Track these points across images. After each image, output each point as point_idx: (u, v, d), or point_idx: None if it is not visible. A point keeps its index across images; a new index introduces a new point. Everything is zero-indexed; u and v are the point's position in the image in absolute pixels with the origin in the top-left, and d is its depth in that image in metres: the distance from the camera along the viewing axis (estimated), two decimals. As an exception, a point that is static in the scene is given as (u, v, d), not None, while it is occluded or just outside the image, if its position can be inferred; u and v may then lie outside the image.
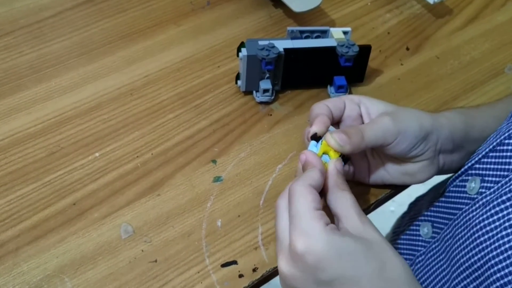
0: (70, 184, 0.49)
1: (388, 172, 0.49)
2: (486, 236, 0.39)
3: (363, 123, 0.48)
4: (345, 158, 0.44)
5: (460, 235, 0.43)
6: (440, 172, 0.49)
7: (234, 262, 0.46)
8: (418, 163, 0.47)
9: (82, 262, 0.45)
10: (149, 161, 0.51)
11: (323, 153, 0.43)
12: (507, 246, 0.37)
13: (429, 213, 0.52)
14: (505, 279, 0.37)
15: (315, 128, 0.44)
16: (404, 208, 0.67)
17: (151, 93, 0.56)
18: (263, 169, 0.52)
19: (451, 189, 0.50)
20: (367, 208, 0.51)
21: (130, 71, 0.58)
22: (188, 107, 0.56)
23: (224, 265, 0.46)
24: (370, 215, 0.51)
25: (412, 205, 0.64)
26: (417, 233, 0.53)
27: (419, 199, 0.64)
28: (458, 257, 0.43)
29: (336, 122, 0.48)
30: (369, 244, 0.37)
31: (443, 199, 0.51)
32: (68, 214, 0.48)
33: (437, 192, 0.55)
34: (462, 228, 0.43)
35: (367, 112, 0.48)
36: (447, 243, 0.46)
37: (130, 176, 0.50)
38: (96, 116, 0.54)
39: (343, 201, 0.39)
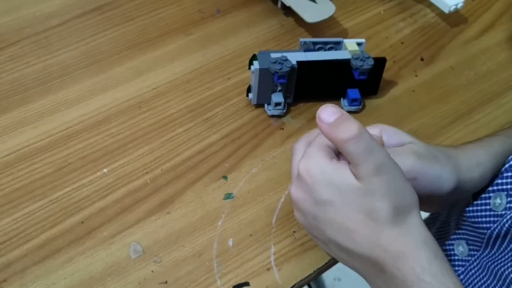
0: (78, 201, 0.48)
1: None
2: None
3: None
4: None
5: (504, 250, 0.42)
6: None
7: (246, 284, 0.45)
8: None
9: (90, 283, 0.44)
10: (159, 177, 0.50)
11: None
12: None
13: (461, 231, 0.51)
14: None
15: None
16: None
17: (160, 105, 0.55)
18: (276, 185, 0.51)
19: (474, 208, 0.48)
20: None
21: (138, 82, 0.57)
22: (198, 121, 0.54)
23: (236, 286, 0.45)
24: None
25: (429, 222, 0.62)
26: (453, 252, 0.51)
27: (433, 216, 0.63)
28: (506, 272, 0.41)
29: None
30: (363, 188, 0.38)
31: (468, 218, 0.49)
32: (76, 232, 0.46)
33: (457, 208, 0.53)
34: (501, 242, 0.42)
35: (388, 142, 0.45)
36: (488, 259, 0.45)
37: (140, 193, 0.49)
38: (104, 130, 0.53)
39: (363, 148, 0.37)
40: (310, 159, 0.40)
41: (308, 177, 0.39)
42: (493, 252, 0.45)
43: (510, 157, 0.45)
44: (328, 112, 0.38)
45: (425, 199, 0.42)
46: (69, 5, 0.63)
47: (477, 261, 0.47)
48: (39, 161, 0.50)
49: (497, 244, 0.44)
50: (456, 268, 0.50)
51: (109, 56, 0.59)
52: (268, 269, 0.46)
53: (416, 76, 0.61)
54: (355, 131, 0.37)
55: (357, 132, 0.37)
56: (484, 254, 0.46)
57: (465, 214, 0.48)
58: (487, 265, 0.45)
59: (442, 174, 0.42)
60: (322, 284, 1.31)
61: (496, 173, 0.46)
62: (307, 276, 0.46)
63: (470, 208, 0.48)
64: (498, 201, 0.45)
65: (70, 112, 0.54)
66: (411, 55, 0.63)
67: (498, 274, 0.43)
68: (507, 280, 0.41)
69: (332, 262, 0.47)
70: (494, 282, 0.43)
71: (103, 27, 0.61)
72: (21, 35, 0.59)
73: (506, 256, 0.42)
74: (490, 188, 0.46)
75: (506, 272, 0.42)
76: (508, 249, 0.42)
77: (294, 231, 0.48)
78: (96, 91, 0.56)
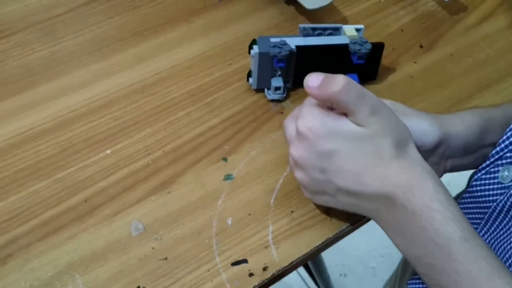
0: (82, 181, 0.49)
1: None
2: None
3: None
4: None
5: (507, 225, 0.43)
6: (444, 173, 0.48)
7: (245, 261, 0.46)
8: None
9: (92, 259, 0.45)
10: (160, 158, 0.51)
11: None
12: None
13: (461, 207, 0.51)
14: None
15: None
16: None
17: (162, 90, 0.56)
18: (274, 167, 0.52)
19: (478, 183, 0.49)
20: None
21: (141, 68, 0.58)
22: (199, 105, 0.56)
23: (235, 263, 0.46)
24: None
25: None
26: None
27: None
28: (508, 247, 0.42)
29: None
30: (365, 131, 0.40)
31: (470, 194, 0.50)
32: (79, 211, 0.48)
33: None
34: (504, 217, 0.43)
35: None
36: (491, 236, 0.46)
37: (141, 173, 0.50)
38: (108, 113, 0.54)
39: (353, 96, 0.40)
40: (308, 117, 0.42)
41: (309, 133, 0.42)
42: (493, 228, 0.46)
43: None
44: (313, 78, 0.41)
45: None
46: (74, -6, 0.64)
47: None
48: (44, 143, 0.52)
49: (499, 219, 0.45)
50: None
51: (112, 43, 0.60)
52: (266, 247, 0.47)
53: (415, 62, 0.61)
54: (342, 82, 0.40)
55: (345, 82, 0.40)
56: (484, 231, 0.47)
57: (471, 189, 0.49)
58: (490, 242, 0.45)
59: (422, 125, 0.44)
60: (328, 280, 1.32)
61: (485, 134, 0.47)
62: (304, 254, 0.47)
63: (478, 182, 0.48)
64: (506, 173, 0.46)
65: (74, 96, 0.55)
66: (410, 42, 0.63)
67: (500, 251, 0.43)
68: None
69: (329, 242, 0.48)
70: (501, 258, 0.43)
71: (107, 15, 0.63)
72: (28, 22, 0.61)
73: (508, 232, 0.43)
74: (499, 162, 0.47)
75: (508, 247, 0.42)
76: (510, 224, 0.43)
77: (292, 211, 0.49)
78: (100, 76, 0.57)
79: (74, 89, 0.56)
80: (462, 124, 0.47)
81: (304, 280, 1.39)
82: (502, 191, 0.46)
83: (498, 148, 0.47)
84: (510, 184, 0.45)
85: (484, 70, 0.61)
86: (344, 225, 0.49)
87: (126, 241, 0.46)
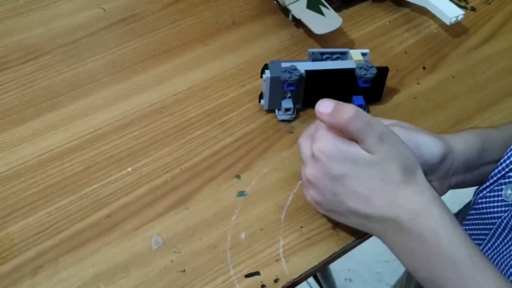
0: (105, 197, 0.53)
1: None
2: None
3: None
4: None
5: (510, 241, 0.45)
6: (448, 189, 0.51)
7: (257, 273, 0.49)
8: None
9: (116, 271, 0.49)
10: (178, 176, 0.55)
11: None
12: None
13: (465, 227, 0.54)
14: None
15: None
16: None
17: (179, 110, 0.60)
18: (285, 184, 0.55)
19: (482, 200, 0.52)
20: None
21: (160, 89, 0.62)
22: (214, 124, 0.59)
23: (248, 275, 0.49)
24: None
25: None
26: None
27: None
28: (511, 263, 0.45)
29: None
30: (374, 158, 0.43)
31: (473, 211, 0.52)
32: (103, 225, 0.51)
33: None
34: (507, 233, 0.46)
35: None
36: (494, 252, 0.48)
37: (160, 190, 0.54)
38: (129, 133, 0.58)
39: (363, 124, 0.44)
40: (322, 141, 0.45)
41: (323, 156, 0.45)
42: (496, 244, 0.48)
43: None
44: (325, 105, 0.45)
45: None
46: (96, 18, 0.68)
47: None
48: (69, 160, 0.55)
49: (502, 236, 0.47)
50: None
51: (132, 64, 0.64)
52: (277, 260, 0.50)
53: (418, 84, 0.65)
54: (352, 111, 0.43)
55: (354, 112, 0.43)
56: (488, 246, 0.49)
57: (476, 206, 0.52)
58: (491, 258, 0.48)
59: (428, 140, 0.48)
60: (333, 285, 1.34)
61: (484, 152, 0.50)
62: (313, 267, 0.50)
63: (482, 200, 0.51)
64: (509, 191, 0.48)
65: (97, 116, 0.59)
66: (413, 64, 0.66)
67: (503, 266, 0.46)
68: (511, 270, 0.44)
69: (336, 255, 0.51)
70: (500, 269, 0.46)
71: (127, 37, 0.67)
72: (53, 45, 0.65)
73: (511, 248, 0.45)
74: (501, 181, 0.49)
75: (511, 263, 0.45)
76: None
77: (301, 226, 0.52)
78: (121, 97, 0.61)
79: (97, 109, 0.60)
80: (462, 142, 0.50)
81: (310, 285, 1.42)
82: (506, 208, 0.49)
83: (500, 167, 0.50)
84: None
85: (484, 90, 0.65)
86: (350, 240, 0.52)
87: (146, 254, 0.50)
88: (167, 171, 0.55)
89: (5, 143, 0.56)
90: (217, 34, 0.68)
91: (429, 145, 0.48)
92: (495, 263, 0.48)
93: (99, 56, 0.65)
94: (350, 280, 1.46)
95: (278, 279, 0.49)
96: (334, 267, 1.35)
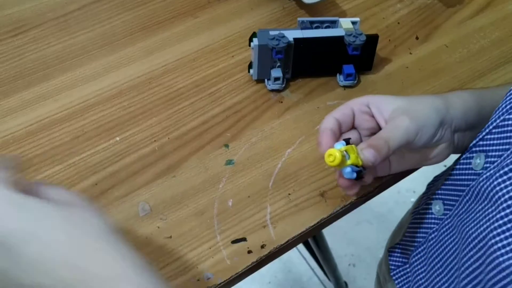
0: (93, 166, 0.53)
1: (408, 161, 0.51)
2: (493, 207, 0.41)
3: (377, 123, 0.50)
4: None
5: (470, 209, 0.45)
6: (455, 151, 0.51)
7: (244, 239, 0.49)
8: (438, 146, 0.49)
9: (103, 237, 0.49)
10: (166, 145, 0.55)
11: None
12: (505, 219, 0.39)
13: (440, 191, 0.54)
14: (502, 250, 0.38)
15: (322, 149, 0.47)
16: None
17: (168, 81, 0.60)
18: (273, 153, 0.55)
19: (458, 167, 0.52)
20: (371, 191, 0.53)
21: (149, 61, 0.62)
22: (202, 95, 0.59)
23: (234, 241, 0.49)
24: (388, 204, 0.54)
25: (430, 185, 0.66)
26: (430, 211, 0.55)
27: (436, 179, 0.66)
28: (471, 231, 0.45)
29: (350, 129, 0.50)
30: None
31: (451, 177, 0.53)
32: (90, 193, 0.51)
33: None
34: (471, 202, 0.45)
35: (379, 111, 0.49)
36: (459, 219, 0.48)
37: (148, 158, 0.54)
38: (117, 103, 0.58)
39: None
40: None
41: None
42: (462, 211, 0.48)
43: (492, 119, 0.48)
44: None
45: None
46: (86, -8, 0.68)
47: (449, 219, 0.50)
48: (58, 130, 0.55)
49: (467, 204, 0.47)
50: (431, 226, 0.54)
51: (122, 37, 0.64)
52: (264, 227, 0.50)
53: (410, 53, 0.64)
54: None
55: None
56: (455, 213, 0.49)
57: (452, 172, 0.52)
58: (457, 224, 0.48)
59: (424, 99, 0.48)
60: (335, 268, 1.34)
61: (481, 109, 0.50)
62: (300, 233, 0.50)
63: (457, 167, 0.51)
64: (478, 161, 0.48)
65: (86, 87, 0.59)
66: (406, 34, 0.66)
67: (463, 233, 0.46)
68: (469, 239, 0.44)
69: (324, 222, 0.51)
70: (461, 240, 0.46)
71: (117, 11, 0.66)
72: (43, 19, 0.65)
73: (471, 216, 0.45)
74: (474, 149, 0.49)
75: (468, 230, 0.45)
76: (473, 209, 0.45)
77: (289, 194, 0.52)
78: (111, 69, 0.61)
79: (86, 81, 0.60)
80: (457, 98, 0.50)
81: (313, 270, 1.42)
82: (474, 177, 0.48)
83: (476, 137, 0.49)
84: (481, 171, 0.47)
85: (478, 60, 0.64)
86: (338, 207, 0.52)
87: (133, 221, 0.50)
88: (155, 140, 0.55)
89: (-6, 114, 0.56)
90: (207, 6, 0.67)
91: (427, 103, 0.48)
92: (456, 230, 0.48)
93: (88, 29, 0.65)
94: (353, 265, 1.46)
95: (265, 245, 0.49)
96: (337, 252, 1.35)
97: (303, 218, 0.51)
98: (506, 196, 0.40)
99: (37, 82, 0.59)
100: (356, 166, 0.45)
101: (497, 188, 0.41)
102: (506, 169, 0.41)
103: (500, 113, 0.47)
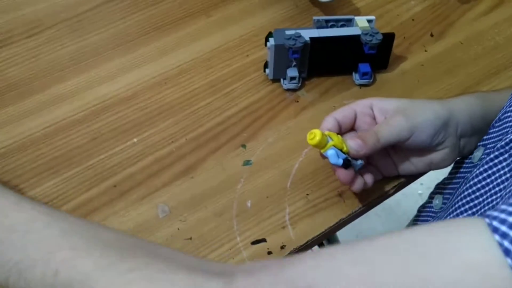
0: (111, 168, 0.53)
1: (413, 164, 0.51)
2: (477, 193, 0.42)
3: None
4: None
5: (461, 198, 0.46)
6: (460, 155, 0.51)
7: (263, 240, 0.49)
8: (441, 151, 0.49)
9: (123, 239, 0.49)
10: (183, 146, 0.55)
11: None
12: (473, 195, 0.39)
13: (441, 186, 0.55)
14: None
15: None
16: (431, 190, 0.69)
17: (183, 82, 0.60)
18: (290, 153, 0.55)
19: (459, 160, 0.52)
20: (388, 191, 0.53)
21: (163, 61, 0.61)
22: (218, 95, 0.59)
23: (254, 242, 0.49)
24: (396, 196, 0.54)
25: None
26: (431, 205, 0.55)
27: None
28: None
29: (350, 130, 0.50)
30: None
31: (452, 170, 0.53)
32: (109, 195, 0.51)
33: None
34: (462, 191, 0.46)
35: (381, 112, 0.49)
36: (448, 213, 0.48)
37: (166, 160, 0.54)
38: (133, 104, 0.58)
39: None
40: None
41: None
42: (456, 201, 0.48)
43: (499, 115, 0.48)
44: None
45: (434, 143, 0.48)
46: (99, -9, 0.68)
47: (444, 212, 0.50)
48: (75, 132, 0.55)
49: (460, 191, 0.48)
50: (429, 219, 0.54)
51: (136, 37, 0.64)
52: (283, 227, 0.50)
53: (426, 51, 0.64)
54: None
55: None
56: (452, 204, 0.50)
57: (453, 165, 0.52)
58: (448, 218, 0.48)
59: (429, 104, 0.48)
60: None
61: (487, 114, 0.50)
62: (319, 234, 0.50)
63: (458, 160, 0.52)
64: (477, 153, 0.48)
65: (102, 89, 0.59)
66: (421, 31, 0.65)
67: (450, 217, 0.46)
68: None
69: (343, 222, 0.51)
70: None
71: (130, 11, 0.66)
72: (56, 20, 0.65)
73: (458, 211, 0.45)
74: (479, 144, 0.50)
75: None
76: (462, 202, 0.45)
77: (307, 194, 0.52)
78: (125, 69, 0.61)
79: (101, 82, 0.59)
80: (462, 102, 0.50)
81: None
82: (470, 169, 0.49)
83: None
84: (478, 163, 0.47)
85: (493, 57, 0.64)
86: (357, 207, 0.52)
87: (153, 223, 0.50)
88: (172, 141, 0.55)
89: (11, 116, 0.56)
90: (221, 5, 0.67)
91: (431, 109, 0.48)
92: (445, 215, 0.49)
93: (102, 29, 0.64)
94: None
95: (285, 246, 0.49)
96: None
97: (322, 218, 0.51)
98: (495, 183, 0.40)
99: (52, 83, 0.59)
100: (342, 152, 0.46)
101: (483, 171, 0.42)
102: (491, 155, 0.42)
103: (504, 111, 0.47)
